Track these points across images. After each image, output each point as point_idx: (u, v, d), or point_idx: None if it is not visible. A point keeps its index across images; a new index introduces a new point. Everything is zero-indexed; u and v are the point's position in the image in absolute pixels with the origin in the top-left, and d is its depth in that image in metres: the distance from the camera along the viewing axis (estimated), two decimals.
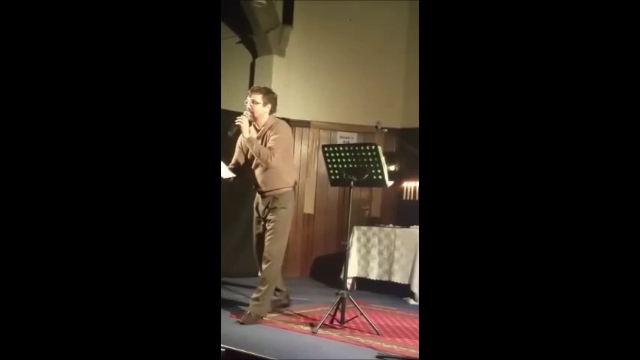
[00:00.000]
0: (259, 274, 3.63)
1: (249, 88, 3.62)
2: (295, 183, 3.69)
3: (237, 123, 3.47)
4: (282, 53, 6.19)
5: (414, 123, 5.85)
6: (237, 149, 3.72)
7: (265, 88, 3.67)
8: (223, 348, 2.69)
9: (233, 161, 3.69)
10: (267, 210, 3.57)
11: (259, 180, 3.58)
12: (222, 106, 5.83)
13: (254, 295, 3.49)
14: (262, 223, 3.61)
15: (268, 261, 3.48)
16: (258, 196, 3.66)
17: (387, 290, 4.88)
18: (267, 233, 3.52)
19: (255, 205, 3.69)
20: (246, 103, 3.57)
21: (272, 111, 3.61)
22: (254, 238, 3.68)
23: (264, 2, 5.68)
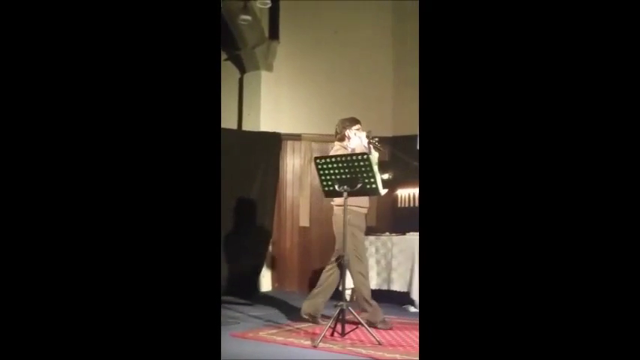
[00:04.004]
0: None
1: (356, 122, 3.94)
2: None
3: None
4: (270, 68, 6.21)
5: (405, 131, 5.87)
6: None
7: None
8: None
9: None
10: (365, 228, 3.95)
11: (366, 199, 3.87)
12: None
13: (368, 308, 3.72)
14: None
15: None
16: (360, 218, 3.89)
17: (386, 299, 4.85)
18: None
19: (361, 226, 3.90)
20: (360, 131, 3.88)
21: None
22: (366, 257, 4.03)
23: (250, 18, 5.71)
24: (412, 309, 4.60)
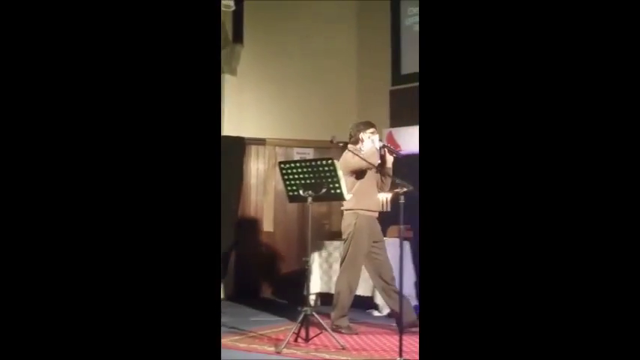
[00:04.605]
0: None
1: (371, 126, 3.94)
2: None
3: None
4: (233, 72, 6.16)
5: None
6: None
7: None
8: None
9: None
10: (379, 231, 3.89)
11: (377, 203, 3.91)
12: None
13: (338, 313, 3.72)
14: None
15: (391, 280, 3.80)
16: (368, 221, 3.81)
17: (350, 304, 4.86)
18: (382, 253, 3.84)
19: (367, 230, 3.79)
20: (374, 135, 3.86)
21: None
22: (375, 261, 3.86)
23: None
24: (376, 313, 4.62)
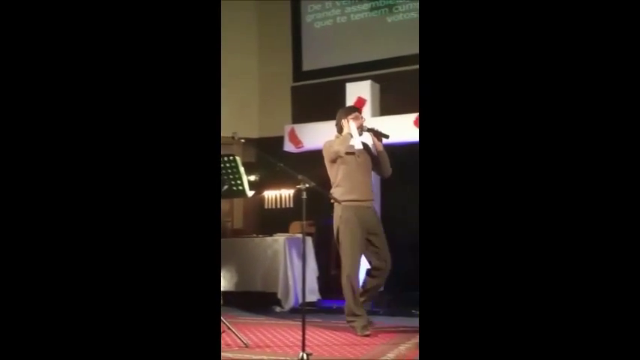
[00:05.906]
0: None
1: (352, 111, 3.75)
2: None
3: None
4: None
5: (271, 132, 5.91)
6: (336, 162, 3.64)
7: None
8: None
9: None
10: (375, 222, 3.65)
11: (368, 191, 3.66)
12: None
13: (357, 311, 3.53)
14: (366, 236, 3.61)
15: (387, 270, 3.61)
16: (357, 212, 3.57)
17: (253, 301, 4.85)
18: (378, 244, 3.61)
19: (356, 221, 3.55)
20: (354, 120, 3.66)
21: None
22: (359, 254, 3.61)
23: None
24: (278, 309, 4.65)
